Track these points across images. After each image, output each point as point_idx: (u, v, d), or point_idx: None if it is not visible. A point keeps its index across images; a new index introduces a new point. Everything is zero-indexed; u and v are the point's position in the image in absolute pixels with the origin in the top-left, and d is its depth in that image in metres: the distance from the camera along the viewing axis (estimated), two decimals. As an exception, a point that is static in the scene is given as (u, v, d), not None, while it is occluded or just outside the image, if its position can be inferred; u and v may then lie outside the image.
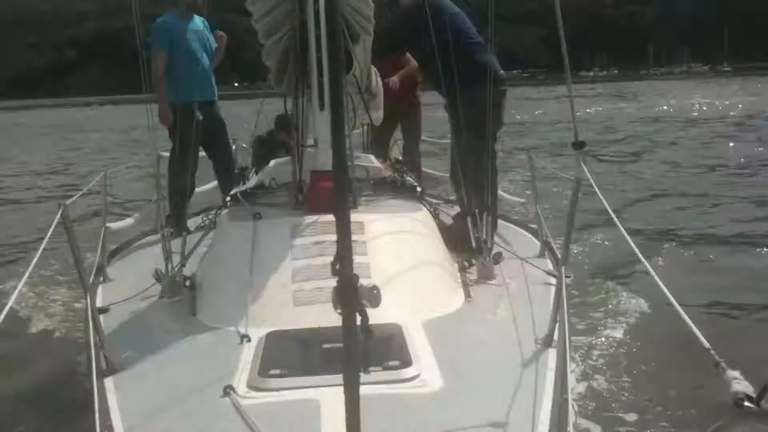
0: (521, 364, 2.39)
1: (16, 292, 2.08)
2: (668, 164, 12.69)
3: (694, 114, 25.89)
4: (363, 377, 1.52)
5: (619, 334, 4.78)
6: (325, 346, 2.35)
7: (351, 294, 1.32)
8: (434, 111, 6.62)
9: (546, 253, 4.04)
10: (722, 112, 24.94)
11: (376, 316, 2.65)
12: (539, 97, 38.06)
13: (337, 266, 1.36)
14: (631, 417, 3.65)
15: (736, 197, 9.14)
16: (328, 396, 2.03)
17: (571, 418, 1.99)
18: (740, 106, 27.55)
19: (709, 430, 1.45)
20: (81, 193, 3.26)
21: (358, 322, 1.35)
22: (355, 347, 1.42)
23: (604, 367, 4.13)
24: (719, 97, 33.90)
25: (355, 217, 2.96)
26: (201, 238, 4.08)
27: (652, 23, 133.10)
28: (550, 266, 3.69)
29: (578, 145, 2.61)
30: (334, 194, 1.40)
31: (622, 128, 20.85)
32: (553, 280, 3.30)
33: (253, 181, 4.02)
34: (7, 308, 1.99)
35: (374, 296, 1.47)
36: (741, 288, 5.99)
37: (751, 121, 20.58)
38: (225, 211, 3.48)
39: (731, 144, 15.16)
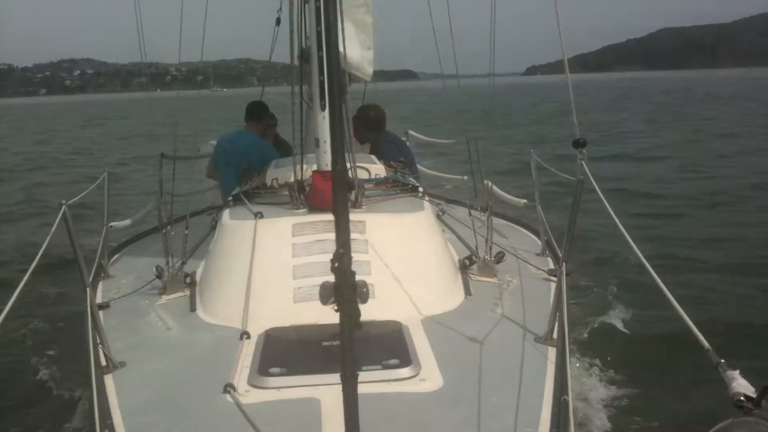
0: (521, 362, 2.38)
1: (18, 290, 2.07)
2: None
3: None
4: (362, 375, 1.52)
5: (618, 333, 4.80)
6: (324, 343, 2.35)
7: (348, 291, 1.32)
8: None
9: (547, 252, 4.03)
10: None
11: (377, 313, 2.67)
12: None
13: (336, 264, 1.36)
14: (631, 417, 3.65)
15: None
16: (327, 394, 2.03)
17: (571, 416, 1.99)
18: None
19: (709, 431, 1.44)
20: (84, 192, 3.25)
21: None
22: (352, 344, 1.41)
23: (604, 366, 4.14)
24: None
25: (356, 215, 2.96)
26: (203, 237, 4.08)
27: None
28: (551, 265, 3.69)
29: (579, 143, 2.55)
30: (333, 192, 1.40)
31: None
32: (554, 279, 3.30)
33: (255, 180, 4.01)
34: (9, 305, 1.99)
35: (363, 293, 1.46)
36: (742, 287, 6.00)
37: None
38: (227, 209, 3.48)
39: None
